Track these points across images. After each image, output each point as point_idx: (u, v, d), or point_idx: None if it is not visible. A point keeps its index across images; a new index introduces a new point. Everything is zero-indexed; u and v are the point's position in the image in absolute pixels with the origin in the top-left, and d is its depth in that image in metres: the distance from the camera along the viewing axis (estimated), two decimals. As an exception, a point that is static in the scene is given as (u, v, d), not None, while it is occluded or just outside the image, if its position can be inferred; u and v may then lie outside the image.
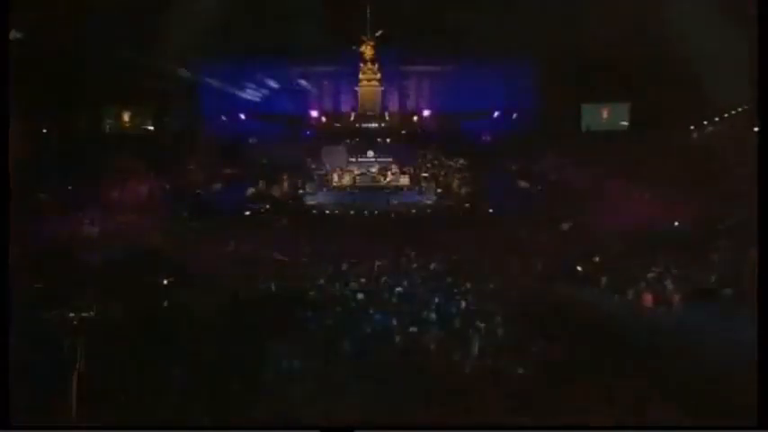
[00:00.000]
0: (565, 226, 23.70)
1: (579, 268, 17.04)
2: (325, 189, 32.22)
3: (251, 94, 34.38)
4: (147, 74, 27.66)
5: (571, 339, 11.15)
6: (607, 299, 14.61)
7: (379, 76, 35.65)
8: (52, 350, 9.17)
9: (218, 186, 31.12)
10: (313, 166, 33.93)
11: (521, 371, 9.89)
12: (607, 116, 32.19)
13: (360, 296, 15.22)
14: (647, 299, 13.34)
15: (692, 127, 30.45)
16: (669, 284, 13.74)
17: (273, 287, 15.63)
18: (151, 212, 25.44)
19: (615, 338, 11.18)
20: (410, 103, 37.33)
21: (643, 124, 29.10)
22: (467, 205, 29.40)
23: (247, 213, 28.03)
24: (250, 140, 33.67)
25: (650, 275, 14.96)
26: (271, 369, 9.53)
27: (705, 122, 30.10)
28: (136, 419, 7.85)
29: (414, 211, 28.52)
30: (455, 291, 15.55)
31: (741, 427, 6.67)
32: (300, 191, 31.73)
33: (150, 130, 33.46)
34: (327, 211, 28.73)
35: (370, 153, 34.78)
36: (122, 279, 14.33)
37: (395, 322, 12.69)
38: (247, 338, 10.39)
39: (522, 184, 31.61)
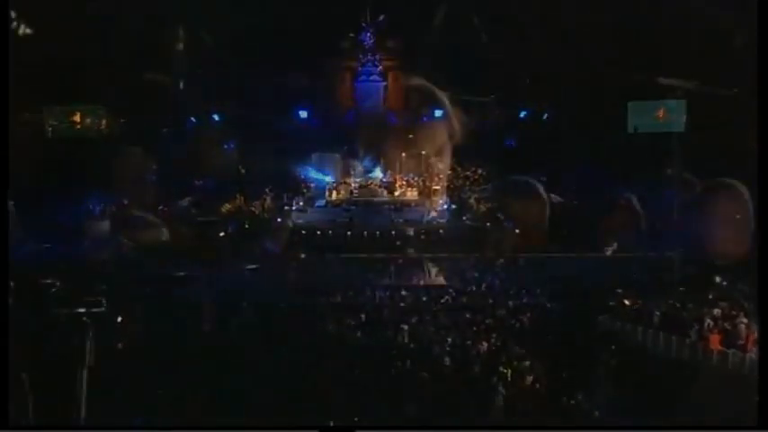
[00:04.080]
0: (608, 250, 23.46)
1: (627, 302, 16.76)
2: (316, 205, 32.05)
3: (226, 90, 34.26)
4: (102, 70, 27.75)
5: (617, 390, 10.93)
6: (663, 340, 14.32)
7: (380, 68, 35.68)
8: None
9: (185, 201, 30.93)
10: (302, 177, 33.79)
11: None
12: (662, 116, 31.69)
13: (358, 335, 15.01)
14: (714, 340, 13.00)
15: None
16: (741, 322, 13.37)
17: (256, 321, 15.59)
18: (107, 231, 25.35)
19: (673, 391, 10.94)
20: (417, 101, 37.22)
21: (704, 125, 28.49)
22: (487, 224, 29.12)
23: (222, 234, 27.81)
24: (225, 146, 33.51)
25: (716, 311, 14.63)
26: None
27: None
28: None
29: (423, 231, 28.30)
30: (474, 329, 15.32)
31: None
32: (286, 207, 31.52)
33: (104, 133, 33.13)
34: (319, 232, 28.52)
35: (370, 161, 34.63)
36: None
37: (401, 366, 12.46)
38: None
39: (554, 198, 31.37)
